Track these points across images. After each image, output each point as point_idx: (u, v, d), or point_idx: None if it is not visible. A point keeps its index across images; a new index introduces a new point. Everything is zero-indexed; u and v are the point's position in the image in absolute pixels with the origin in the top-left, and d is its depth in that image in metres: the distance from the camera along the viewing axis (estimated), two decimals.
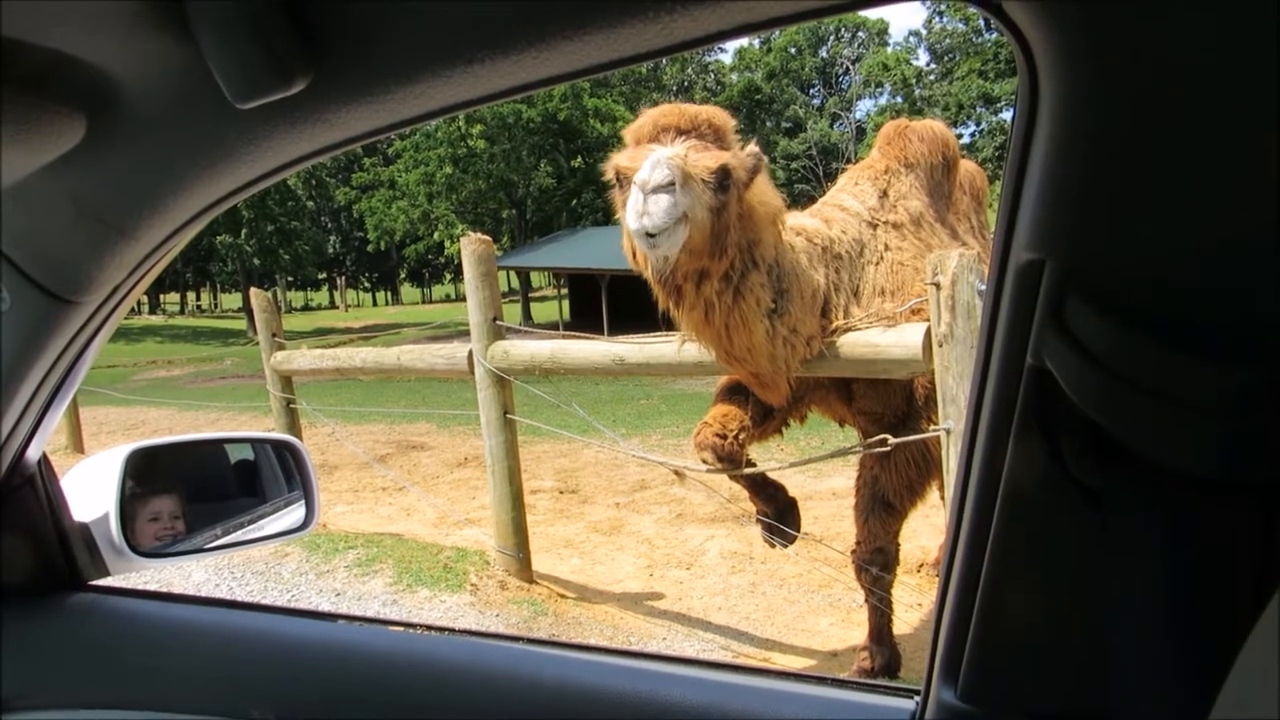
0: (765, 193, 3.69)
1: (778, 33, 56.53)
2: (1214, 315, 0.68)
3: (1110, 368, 0.70)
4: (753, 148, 3.55)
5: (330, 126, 0.93)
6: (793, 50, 59.07)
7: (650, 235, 3.22)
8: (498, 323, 5.89)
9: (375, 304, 79.03)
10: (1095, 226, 0.70)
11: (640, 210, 3.18)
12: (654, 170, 3.15)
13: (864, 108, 57.95)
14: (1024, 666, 0.97)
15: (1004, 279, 0.79)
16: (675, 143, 3.32)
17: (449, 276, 70.92)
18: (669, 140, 3.33)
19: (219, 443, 2.21)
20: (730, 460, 4.27)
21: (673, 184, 3.15)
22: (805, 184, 48.75)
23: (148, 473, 1.78)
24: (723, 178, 3.32)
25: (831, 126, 56.79)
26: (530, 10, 0.76)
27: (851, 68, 58.56)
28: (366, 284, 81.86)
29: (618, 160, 3.44)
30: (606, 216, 40.81)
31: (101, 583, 1.62)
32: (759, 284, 3.60)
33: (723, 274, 3.51)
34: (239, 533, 1.93)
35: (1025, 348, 0.78)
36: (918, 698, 1.14)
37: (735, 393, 4.38)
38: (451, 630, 1.54)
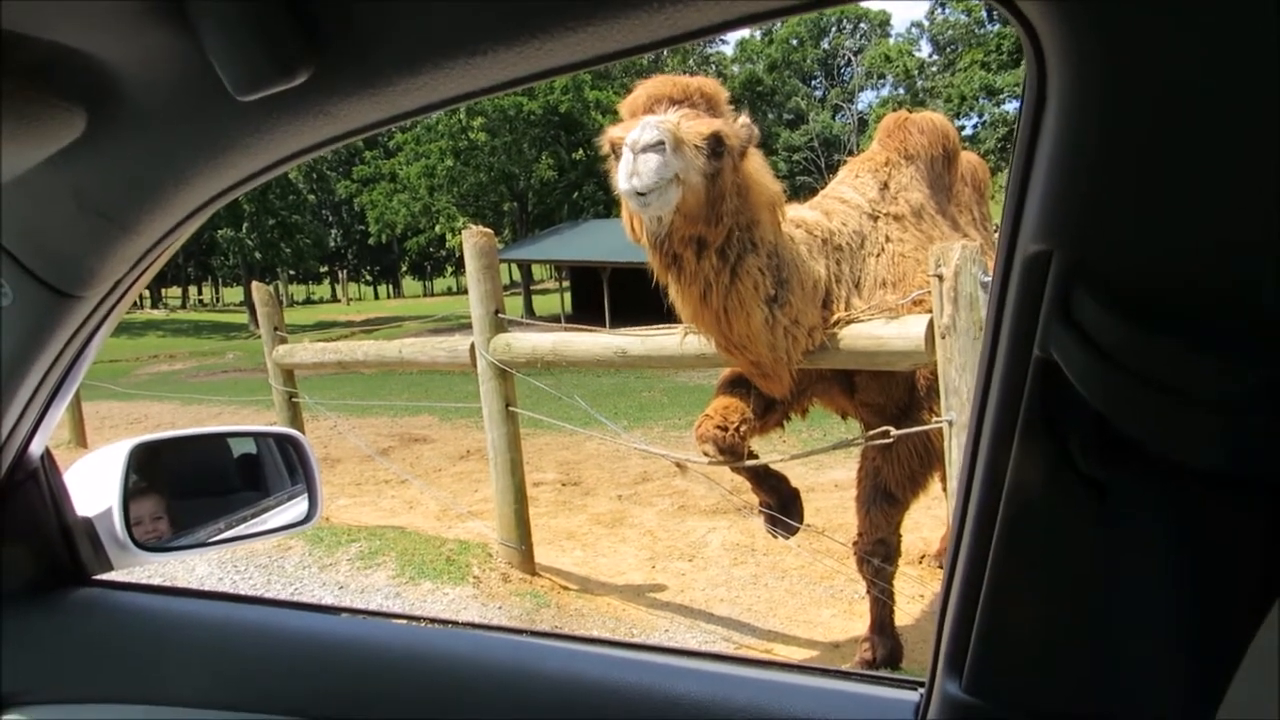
0: (763, 174, 3.70)
1: (779, 24, 56.46)
2: (1224, 310, 0.68)
3: (1118, 361, 0.70)
4: (745, 119, 3.56)
5: (332, 119, 0.92)
6: (794, 42, 58.97)
7: (640, 194, 3.24)
8: (499, 315, 5.89)
9: (377, 297, 79.11)
10: (1103, 219, 0.70)
11: (630, 170, 3.20)
12: (644, 131, 3.19)
13: (866, 99, 57.90)
14: (1029, 660, 0.97)
15: (1011, 270, 0.78)
16: (669, 112, 3.34)
17: (450, 269, 71.04)
18: (663, 110, 3.36)
19: (221, 437, 2.20)
20: (731, 452, 4.27)
21: (662, 144, 3.17)
22: (807, 175, 48.68)
23: (151, 467, 1.78)
24: (715, 144, 3.34)
25: (833, 118, 56.66)
26: (532, 1, 0.76)
27: (853, 59, 58.43)
28: (368, 277, 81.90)
29: (612, 132, 3.47)
30: (608, 209, 40.85)
31: (105, 577, 1.62)
32: (757, 267, 3.60)
33: (719, 248, 3.51)
34: (242, 526, 1.93)
35: (1032, 340, 0.78)
36: (922, 690, 1.14)
37: (737, 385, 4.37)
38: (454, 623, 1.54)
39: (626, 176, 3.21)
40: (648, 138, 3.17)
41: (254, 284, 8.37)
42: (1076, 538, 0.87)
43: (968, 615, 0.96)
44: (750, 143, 3.55)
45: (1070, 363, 0.74)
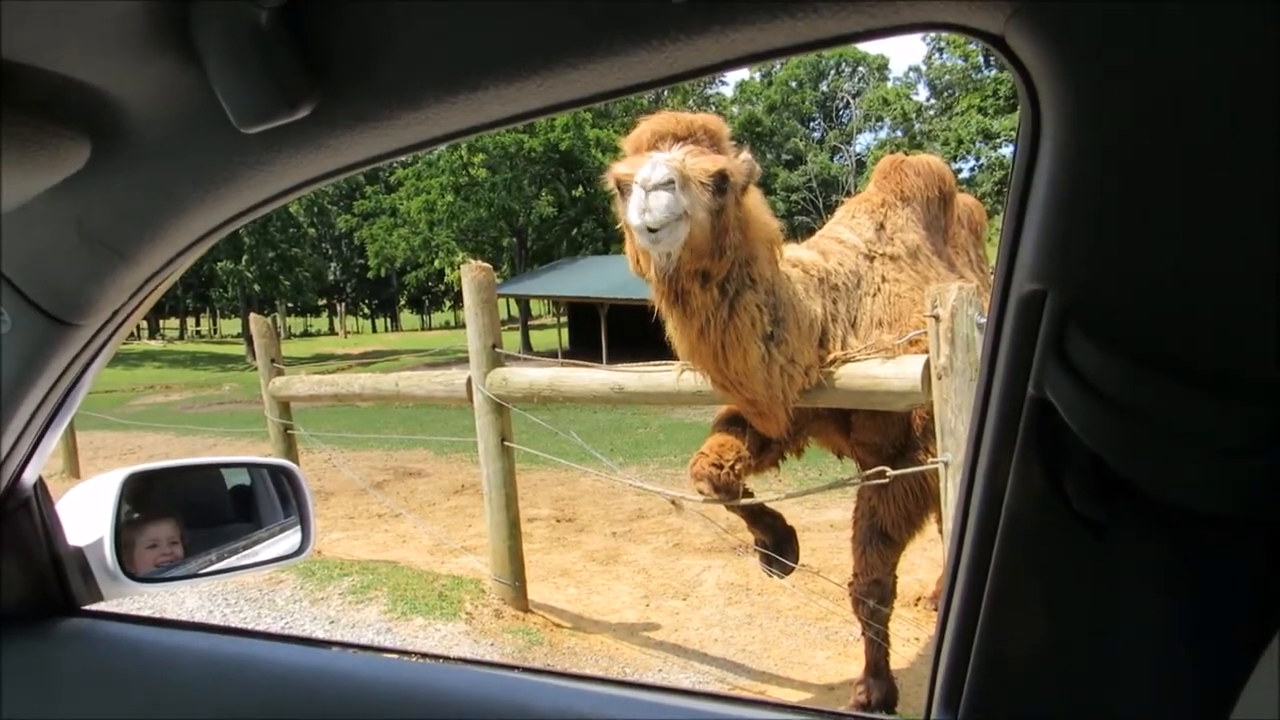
0: (763, 211, 3.74)
1: (779, 66, 57.01)
2: (1218, 350, 0.68)
3: (1112, 400, 0.70)
4: (746, 155, 3.59)
5: (333, 152, 0.93)
6: (793, 84, 59.53)
7: (652, 231, 3.26)
8: (497, 350, 5.89)
9: (374, 330, 79.09)
10: (1097, 258, 0.70)
11: (642, 207, 3.23)
12: (654, 169, 3.21)
13: (864, 141, 58.37)
14: (1025, 699, 0.96)
15: (1005, 309, 0.79)
16: (673, 149, 3.37)
17: (448, 304, 71.23)
18: (667, 147, 3.39)
19: (215, 467, 2.19)
20: (726, 490, 4.25)
21: (672, 183, 3.21)
22: (805, 215, 48.89)
23: (144, 497, 1.78)
24: (720, 180, 3.37)
25: (831, 159, 57.08)
26: (534, 38, 0.77)
27: (852, 102, 58.97)
28: (366, 310, 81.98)
29: (618, 169, 3.49)
30: (606, 246, 40.99)
31: (95, 608, 1.61)
32: (755, 303, 3.61)
33: (720, 283, 3.54)
34: (234, 558, 1.91)
35: (1027, 379, 0.78)
36: None
37: (733, 423, 4.37)
38: (446, 658, 1.53)
39: (638, 212, 3.24)
40: (658, 176, 3.20)
41: (252, 316, 8.39)
42: (1072, 576, 0.86)
43: (963, 653, 0.96)
44: (752, 178, 3.58)
45: (1065, 402, 0.74)
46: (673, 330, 3.69)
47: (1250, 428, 0.66)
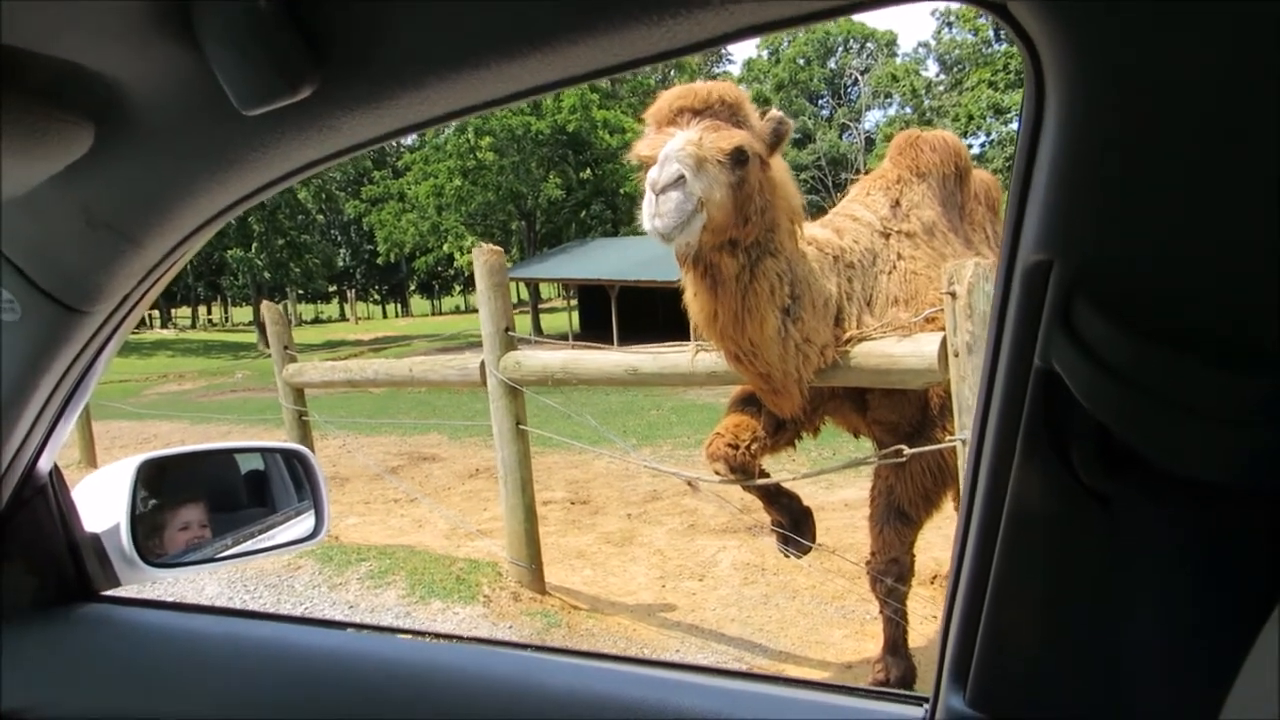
0: (787, 180, 3.74)
1: (786, 43, 56.58)
2: (1225, 321, 0.68)
3: (1119, 372, 0.69)
4: (774, 113, 3.57)
5: (337, 133, 0.93)
6: (801, 61, 59.11)
7: (664, 235, 3.28)
8: (510, 333, 5.90)
9: (385, 316, 79.20)
10: (1103, 228, 0.70)
11: (652, 212, 3.24)
12: (663, 169, 3.21)
13: (873, 119, 57.91)
14: (1032, 673, 0.97)
15: (1011, 280, 0.78)
16: (691, 125, 3.35)
17: (458, 288, 71.29)
18: (685, 122, 3.37)
19: (229, 452, 2.20)
20: (742, 471, 4.25)
21: (682, 178, 3.19)
22: (815, 194, 48.65)
23: (159, 483, 1.79)
24: (738, 155, 3.36)
25: (840, 137, 56.72)
26: (535, 14, 0.76)
27: (860, 79, 58.50)
28: (376, 296, 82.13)
29: (639, 149, 3.50)
30: (615, 228, 40.95)
31: (113, 593, 1.62)
32: (775, 271, 3.60)
33: (746, 247, 3.54)
34: (249, 542, 1.93)
35: (1033, 350, 0.78)
36: (926, 705, 1.14)
37: (748, 404, 4.36)
38: (463, 638, 1.54)
39: (649, 217, 3.26)
40: (666, 176, 3.20)
41: (264, 303, 8.43)
42: (1079, 549, 0.86)
43: (971, 628, 0.96)
44: (780, 136, 3.56)
45: (1071, 373, 0.74)
46: (691, 297, 3.68)
47: (1255, 398, 0.65)
